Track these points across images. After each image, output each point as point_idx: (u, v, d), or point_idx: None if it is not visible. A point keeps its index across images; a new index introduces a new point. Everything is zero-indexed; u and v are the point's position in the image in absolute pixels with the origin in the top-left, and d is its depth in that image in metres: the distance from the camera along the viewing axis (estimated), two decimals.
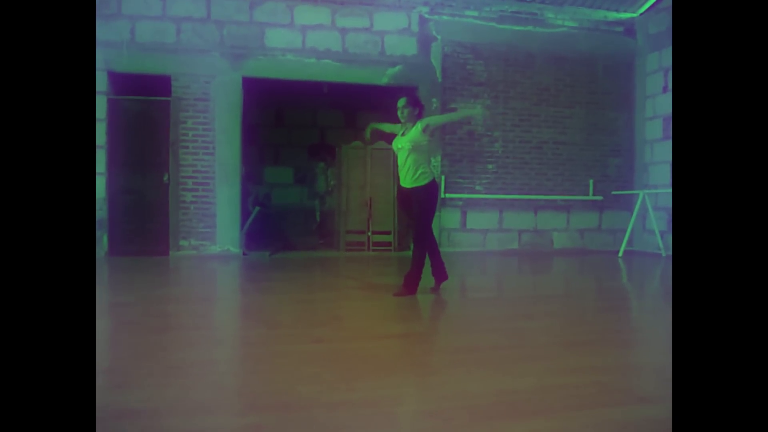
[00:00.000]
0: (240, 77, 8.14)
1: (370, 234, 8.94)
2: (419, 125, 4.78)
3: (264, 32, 8.23)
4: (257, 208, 9.16)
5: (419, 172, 4.72)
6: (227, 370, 2.80)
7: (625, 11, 9.51)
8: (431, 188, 4.77)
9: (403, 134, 4.88)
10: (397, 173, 4.96)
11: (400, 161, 4.85)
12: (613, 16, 9.53)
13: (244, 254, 8.15)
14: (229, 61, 8.09)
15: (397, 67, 8.64)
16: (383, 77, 8.62)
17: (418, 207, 4.74)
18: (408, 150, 4.73)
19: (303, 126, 11.76)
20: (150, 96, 8.03)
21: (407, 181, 4.78)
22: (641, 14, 9.50)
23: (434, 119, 5.19)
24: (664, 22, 9.08)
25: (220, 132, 8.11)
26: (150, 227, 7.97)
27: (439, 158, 8.78)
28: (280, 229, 10.17)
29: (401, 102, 4.89)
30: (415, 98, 5.05)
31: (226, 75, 8.09)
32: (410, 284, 4.72)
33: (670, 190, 8.67)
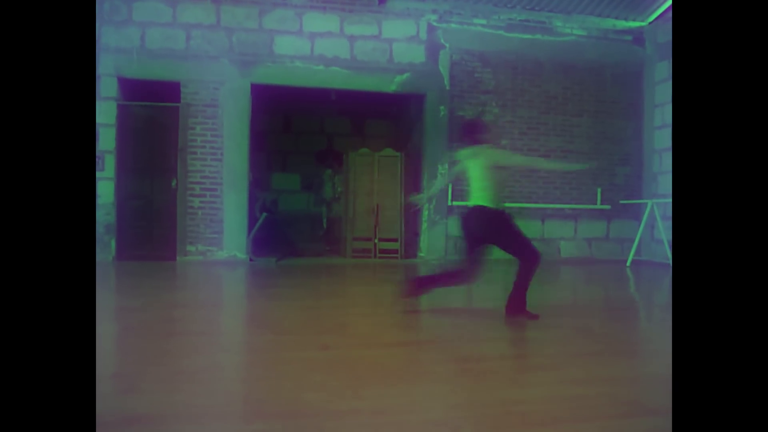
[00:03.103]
0: (248, 84, 8.18)
1: (376, 241, 8.94)
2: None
3: (273, 39, 8.26)
4: (264, 215, 9.16)
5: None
6: (234, 377, 2.79)
7: (634, 20, 9.50)
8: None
9: None
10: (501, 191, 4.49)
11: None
12: (621, 24, 9.52)
13: (250, 260, 8.16)
14: (237, 67, 8.13)
15: (405, 75, 8.65)
16: (391, 85, 8.63)
17: None
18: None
19: (310, 133, 11.78)
20: (159, 102, 8.08)
21: None
22: (650, 23, 9.49)
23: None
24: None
25: (229, 138, 8.14)
26: (158, 232, 8.00)
27: (446, 166, 8.77)
28: (287, 235, 10.18)
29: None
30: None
31: (234, 81, 8.13)
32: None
33: None
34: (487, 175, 4.25)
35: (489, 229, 4.26)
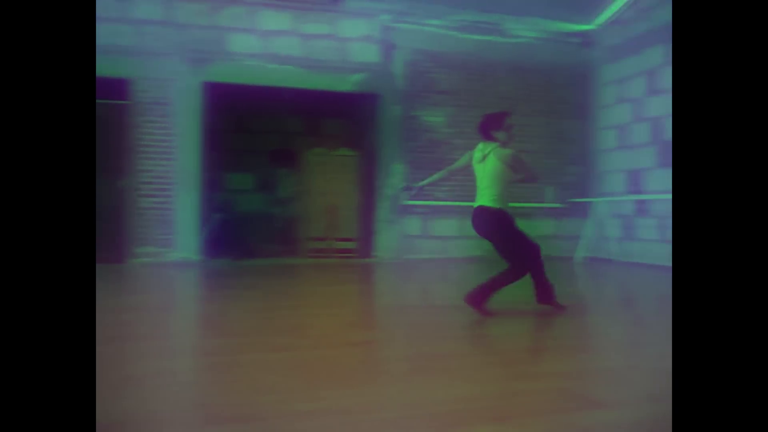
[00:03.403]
0: (200, 82, 8.03)
1: (333, 241, 8.91)
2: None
3: (225, 37, 8.14)
4: (218, 215, 9.03)
5: None
6: (185, 381, 2.73)
7: (582, 23, 9.74)
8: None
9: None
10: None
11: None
12: (571, 27, 9.75)
13: (203, 262, 8.02)
14: (189, 65, 7.97)
15: (361, 74, 8.65)
16: (346, 84, 8.62)
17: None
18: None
19: (265, 132, 11.65)
20: (108, 99, 7.84)
21: None
22: (598, 26, 9.75)
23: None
24: (619, 35, 9.33)
25: (180, 137, 7.98)
26: (107, 234, 7.76)
27: (401, 165, 8.81)
28: (242, 236, 10.04)
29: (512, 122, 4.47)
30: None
31: (186, 79, 7.97)
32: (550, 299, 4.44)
33: (625, 198, 8.89)
34: (495, 175, 4.26)
35: (488, 228, 4.32)
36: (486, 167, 4.30)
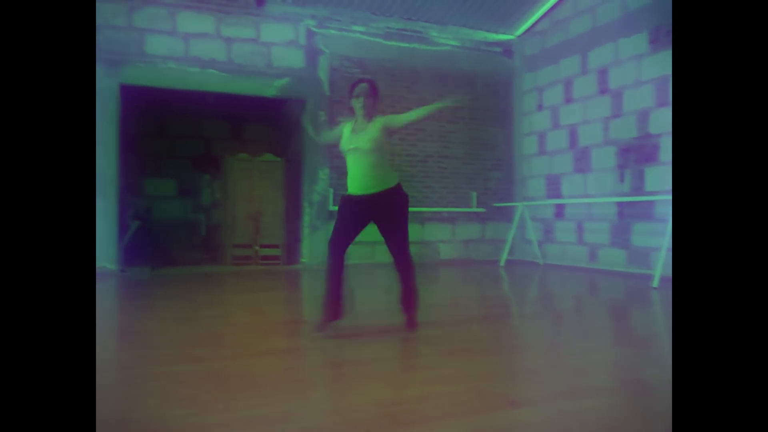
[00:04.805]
0: (117, 84, 7.73)
1: (257, 248, 8.76)
2: (378, 124, 3.99)
3: (144, 38, 7.87)
4: (137, 222, 8.70)
5: (384, 172, 3.97)
6: (96, 396, 2.61)
7: (503, 33, 10.04)
8: (402, 190, 4.06)
9: (354, 132, 4.01)
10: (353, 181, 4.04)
11: (354, 163, 3.96)
12: (492, 37, 10.03)
13: (122, 271, 7.70)
14: (105, 67, 7.65)
15: (285, 80, 8.57)
16: (270, 89, 8.52)
17: (399, 213, 4.06)
18: (367, 151, 3.89)
19: (187, 137, 11.34)
20: None
21: (371, 185, 3.94)
22: (518, 36, 10.08)
23: (397, 120, 4.19)
24: (538, 45, 9.68)
25: (96, 141, 7.63)
26: None
27: (327, 171, 8.78)
28: (162, 243, 9.72)
29: (361, 89, 4.00)
30: (376, 87, 4.14)
31: (102, 82, 7.63)
32: (414, 309, 4.05)
33: (546, 202, 9.21)
34: (386, 150, 4.10)
35: (399, 214, 4.13)
36: (376, 142, 3.95)
